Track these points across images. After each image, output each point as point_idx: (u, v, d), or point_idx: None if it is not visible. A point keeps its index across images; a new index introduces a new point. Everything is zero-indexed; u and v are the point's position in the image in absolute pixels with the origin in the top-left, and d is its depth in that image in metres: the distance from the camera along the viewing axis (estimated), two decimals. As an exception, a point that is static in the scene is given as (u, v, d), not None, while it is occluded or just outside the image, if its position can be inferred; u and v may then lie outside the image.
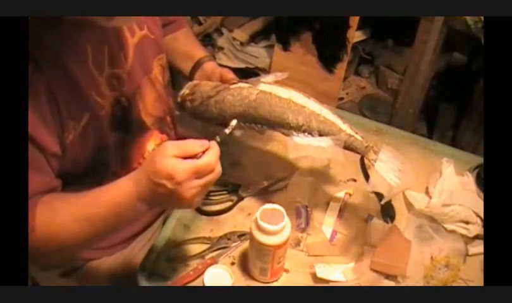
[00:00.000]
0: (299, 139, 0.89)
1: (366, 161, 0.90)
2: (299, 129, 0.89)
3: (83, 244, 0.81)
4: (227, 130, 0.88)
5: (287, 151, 0.91)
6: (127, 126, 0.93)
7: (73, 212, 0.76)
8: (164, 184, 0.73)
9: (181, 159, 0.73)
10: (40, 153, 0.75)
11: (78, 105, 0.80)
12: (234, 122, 0.91)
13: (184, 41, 1.11)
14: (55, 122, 0.77)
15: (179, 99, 1.00)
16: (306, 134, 0.89)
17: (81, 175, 0.85)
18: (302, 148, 0.89)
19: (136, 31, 0.92)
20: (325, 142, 0.88)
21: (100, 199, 0.77)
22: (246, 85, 0.93)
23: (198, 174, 0.74)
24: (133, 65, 0.91)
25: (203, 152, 0.75)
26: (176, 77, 1.12)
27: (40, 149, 0.75)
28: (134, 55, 0.91)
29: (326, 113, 0.90)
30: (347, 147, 0.89)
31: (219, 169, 0.77)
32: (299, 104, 0.89)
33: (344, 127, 0.89)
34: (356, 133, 0.90)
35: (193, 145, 0.75)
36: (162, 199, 0.76)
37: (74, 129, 0.81)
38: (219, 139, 0.81)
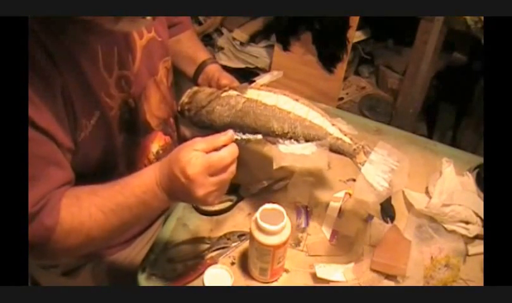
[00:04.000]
0: (284, 147, 0.87)
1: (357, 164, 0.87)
2: (285, 136, 0.88)
3: (109, 235, 0.81)
4: (245, 137, 0.89)
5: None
6: (133, 127, 0.94)
7: (98, 203, 0.77)
8: (178, 177, 0.73)
9: (202, 153, 0.74)
10: (56, 145, 0.76)
11: (90, 104, 0.81)
12: (259, 136, 0.91)
13: (188, 44, 1.12)
14: (69, 119, 0.77)
15: (179, 107, 1.00)
16: (292, 140, 0.88)
17: (90, 175, 0.85)
18: (285, 157, 0.87)
19: (144, 33, 0.92)
20: (308, 149, 0.86)
21: (127, 187, 0.77)
22: (234, 93, 0.93)
23: (211, 169, 0.74)
24: (140, 67, 0.91)
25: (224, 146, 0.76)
26: (177, 79, 1.12)
27: (57, 144, 0.76)
28: (142, 57, 0.91)
29: (313, 116, 0.88)
30: (335, 150, 0.87)
31: (232, 169, 0.77)
32: (285, 110, 0.88)
33: (332, 130, 0.87)
34: (346, 135, 0.87)
35: (218, 138, 0.77)
36: (176, 191, 0.76)
37: (86, 128, 0.81)
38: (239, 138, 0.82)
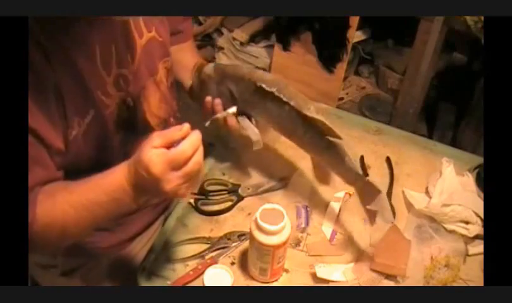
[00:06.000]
0: None
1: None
2: None
3: (84, 230, 0.82)
4: (219, 115, 0.89)
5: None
6: (132, 126, 0.94)
7: (71, 200, 0.77)
8: (143, 175, 0.73)
9: (163, 149, 0.74)
10: (43, 147, 0.76)
11: (84, 103, 0.81)
12: (232, 110, 0.91)
13: (187, 54, 1.12)
14: (60, 118, 0.77)
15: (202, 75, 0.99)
16: None
17: (84, 172, 0.86)
18: None
19: (144, 32, 0.92)
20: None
21: (97, 185, 0.78)
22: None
23: (173, 164, 0.73)
24: (139, 66, 0.91)
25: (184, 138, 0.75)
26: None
27: (43, 144, 0.76)
28: (141, 56, 0.91)
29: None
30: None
31: (196, 159, 0.75)
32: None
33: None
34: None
35: (175, 132, 0.75)
36: (145, 189, 0.76)
37: (79, 126, 0.81)
38: (207, 124, 0.81)
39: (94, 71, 0.81)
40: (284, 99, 0.90)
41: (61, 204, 0.77)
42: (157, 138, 0.74)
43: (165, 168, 0.73)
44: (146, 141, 0.75)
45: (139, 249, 1.07)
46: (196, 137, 0.75)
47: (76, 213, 0.77)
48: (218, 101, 0.97)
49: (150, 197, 0.82)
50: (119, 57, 0.86)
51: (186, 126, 0.76)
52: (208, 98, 0.97)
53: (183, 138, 0.75)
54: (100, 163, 0.88)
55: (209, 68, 0.99)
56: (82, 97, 0.80)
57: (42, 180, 0.77)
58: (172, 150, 0.74)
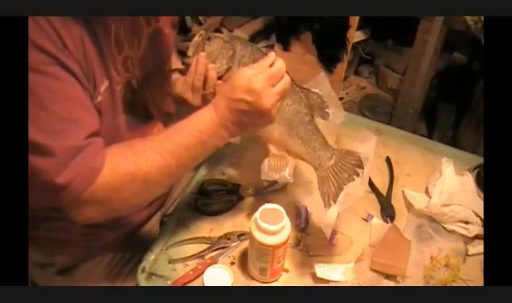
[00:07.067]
0: None
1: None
2: None
3: (167, 180, 0.82)
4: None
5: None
6: (135, 110, 0.94)
7: (154, 145, 0.78)
8: (244, 98, 0.78)
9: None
10: (91, 100, 0.77)
11: (102, 70, 0.81)
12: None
13: None
14: (88, 77, 0.78)
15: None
16: None
17: None
18: None
19: (152, 21, 0.93)
20: None
21: (183, 128, 0.80)
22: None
23: (272, 80, 0.79)
24: (144, 53, 0.92)
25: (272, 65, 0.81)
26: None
27: (91, 97, 0.77)
28: (147, 44, 0.92)
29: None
30: None
31: (288, 78, 0.82)
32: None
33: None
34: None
35: (264, 62, 0.81)
36: (242, 118, 0.80)
37: (99, 93, 0.81)
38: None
39: (109, 44, 0.81)
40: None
41: (143, 151, 0.77)
42: (246, 69, 0.80)
43: (266, 84, 0.78)
44: (234, 73, 0.81)
45: (137, 248, 1.07)
46: (282, 60, 0.82)
47: (161, 158, 0.77)
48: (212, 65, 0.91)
49: (242, 131, 0.84)
50: (127, 39, 0.86)
51: (273, 53, 0.83)
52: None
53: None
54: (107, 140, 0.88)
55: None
56: (101, 64, 0.80)
57: (94, 127, 0.76)
58: (270, 68, 0.80)
